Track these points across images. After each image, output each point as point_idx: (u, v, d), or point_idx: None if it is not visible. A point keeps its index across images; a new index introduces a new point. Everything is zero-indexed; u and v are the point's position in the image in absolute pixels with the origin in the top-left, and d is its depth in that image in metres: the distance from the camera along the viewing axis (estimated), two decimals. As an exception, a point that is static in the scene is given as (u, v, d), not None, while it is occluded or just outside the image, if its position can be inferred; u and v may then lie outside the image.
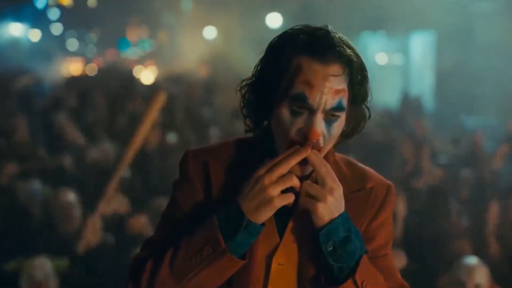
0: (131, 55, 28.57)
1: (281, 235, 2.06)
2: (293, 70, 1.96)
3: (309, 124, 1.95)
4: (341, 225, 1.97)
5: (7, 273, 5.26)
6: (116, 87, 14.92)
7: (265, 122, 2.10)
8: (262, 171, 1.95)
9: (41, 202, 6.77)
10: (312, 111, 1.95)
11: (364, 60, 2.04)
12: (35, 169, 7.91)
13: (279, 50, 2.01)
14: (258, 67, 2.08)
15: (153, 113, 5.06)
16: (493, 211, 5.65)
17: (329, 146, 2.04)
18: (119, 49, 29.27)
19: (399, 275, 2.18)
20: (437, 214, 6.66)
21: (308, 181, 1.99)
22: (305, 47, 1.96)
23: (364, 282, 1.98)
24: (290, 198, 1.96)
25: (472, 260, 4.30)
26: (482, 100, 15.73)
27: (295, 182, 1.96)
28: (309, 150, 1.94)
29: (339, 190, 1.98)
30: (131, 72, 22.08)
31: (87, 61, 27.25)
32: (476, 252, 5.76)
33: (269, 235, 2.04)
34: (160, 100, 5.00)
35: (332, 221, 1.96)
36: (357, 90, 2.00)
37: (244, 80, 2.11)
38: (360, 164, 2.22)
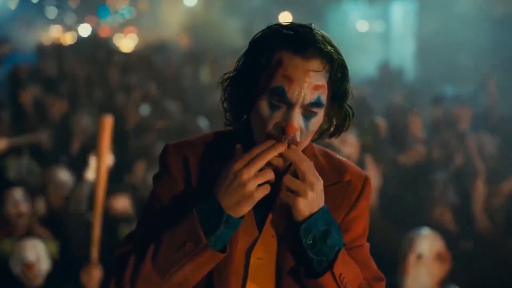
0: (111, 22, 28.33)
1: (260, 229, 2.09)
2: (273, 64, 1.97)
3: (287, 118, 1.95)
4: (321, 219, 2.00)
5: None
6: (95, 56, 14.82)
7: (244, 117, 2.12)
8: (238, 165, 1.96)
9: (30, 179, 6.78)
10: (290, 106, 1.96)
11: (345, 59, 2.05)
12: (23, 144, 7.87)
13: (261, 44, 2.02)
14: (240, 61, 2.09)
15: (106, 141, 4.82)
16: (479, 187, 5.61)
17: (306, 141, 2.05)
18: (99, 16, 29.01)
19: (374, 265, 2.21)
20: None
21: (289, 176, 2.00)
22: (287, 42, 1.97)
23: (342, 275, 2.02)
24: (267, 189, 1.97)
25: (418, 230, 4.25)
26: (463, 68, 15.74)
27: (272, 176, 1.98)
28: (286, 146, 1.96)
29: (319, 184, 2.00)
30: (110, 40, 21.90)
31: (67, 29, 26.98)
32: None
33: (248, 229, 2.07)
34: (108, 125, 4.85)
35: (312, 215, 1.99)
36: (337, 88, 2.02)
37: (226, 73, 2.13)
38: (337, 156, 2.24)
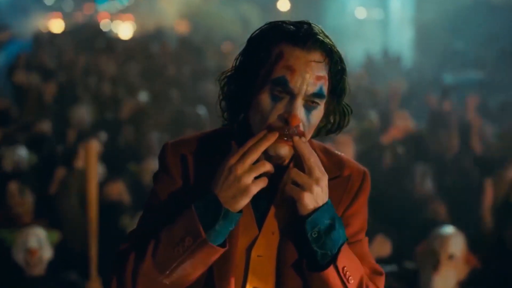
0: (109, 9, 28.24)
1: (260, 227, 2.09)
2: (274, 57, 1.98)
3: (290, 109, 1.95)
4: (327, 213, 2.01)
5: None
6: (92, 44, 14.80)
7: (242, 116, 2.11)
8: (233, 160, 1.97)
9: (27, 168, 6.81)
10: (292, 96, 1.96)
11: (343, 48, 2.09)
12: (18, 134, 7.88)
13: (260, 40, 2.02)
14: (239, 59, 2.08)
15: (93, 168, 4.84)
16: (488, 189, 5.60)
17: (309, 135, 2.05)
18: (97, 2, 28.93)
19: (373, 260, 2.21)
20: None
21: (296, 169, 2.00)
22: (287, 35, 1.98)
23: (345, 268, 2.02)
24: (264, 183, 1.97)
25: (447, 229, 4.24)
26: (461, 55, 15.73)
27: (267, 167, 1.98)
28: (277, 135, 1.96)
29: (324, 180, 2.00)
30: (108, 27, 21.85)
31: (65, 15, 26.90)
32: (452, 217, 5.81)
33: (248, 227, 2.07)
34: (93, 151, 4.83)
35: (317, 209, 1.99)
36: (337, 81, 2.03)
37: (224, 72, 2.12)
38: (336, 152, 2.24)
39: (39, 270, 4.87)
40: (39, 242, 4.88)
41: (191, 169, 2.11)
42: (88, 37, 16.38)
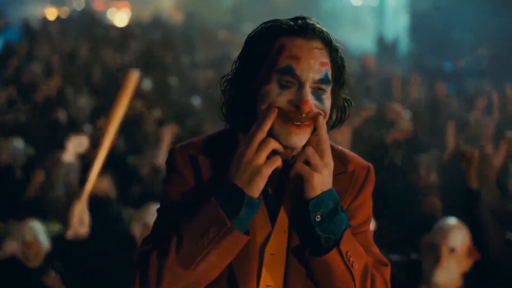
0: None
1: (273, 225, 2.14)
2: (276, 50, 2.03)
3: (300, 97, 2.00)
4: (331, 198, 2.06)
5: None
6: (89, 32, 14.77)
7: (246, 117, 2.13)
8: (242, 147, 2.03)
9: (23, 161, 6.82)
10: (300, 84, 2.01)
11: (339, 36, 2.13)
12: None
13: (259, 38, 2.08)
14: (237, 61, 2.13)
15: (127, 97, 4.73)
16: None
17: (326, 118, 2.09)
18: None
19: (378, 251, 2.26)
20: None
21: (311, 148, 2.05)
22: (286, 28, 2.04)
23: (349, 253, 2.07)
24: (276, 161, 2.03)
25: (449, 222, 4.20)
26: (456, 43, 15.72)
27: (274, 144, 2.03)
28: (276, 111, 2.00)
29: (332, 166, 2.07)
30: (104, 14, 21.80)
31: (59, 2, 26.76)
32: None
33: (262, 225, 2.12)
34: (133, 81, 4.72)
35: (323, 193, 2.04)
36: (338, 68, 2.09)
37: (224, 76, 2.16)
38: (340, 147, 2.29)
39: (36, 262, 4.91)
40: (35, 235, 4.92)
41: (202, 169, 2.16)
42: (84, 25, 16.33)
